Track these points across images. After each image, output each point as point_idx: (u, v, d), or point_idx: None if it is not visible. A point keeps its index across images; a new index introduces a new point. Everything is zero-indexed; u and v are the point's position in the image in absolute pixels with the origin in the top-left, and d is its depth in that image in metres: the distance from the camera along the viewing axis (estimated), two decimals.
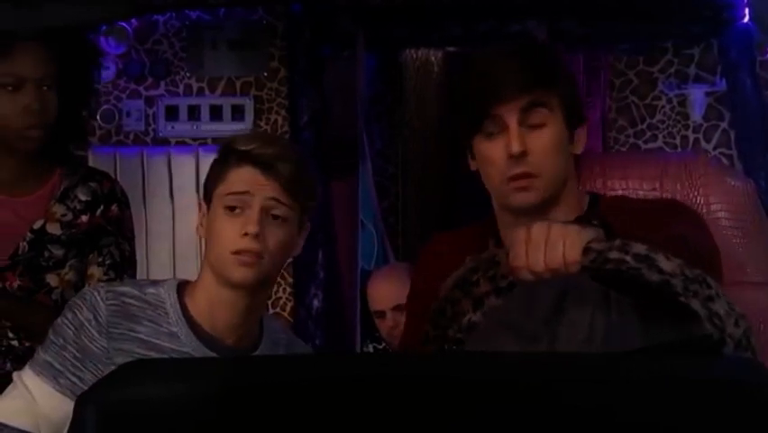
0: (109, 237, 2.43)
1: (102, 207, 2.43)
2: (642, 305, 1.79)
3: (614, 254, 1.56)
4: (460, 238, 2.03)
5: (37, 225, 2.38)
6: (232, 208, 1.87)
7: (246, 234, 1.84)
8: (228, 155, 1.92)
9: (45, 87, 2.35)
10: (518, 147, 1.83)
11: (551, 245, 1.56)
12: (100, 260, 2.41)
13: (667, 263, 1.54)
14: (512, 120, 1.84)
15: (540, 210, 1.87)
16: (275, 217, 1.87)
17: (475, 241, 1.95)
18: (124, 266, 2.45)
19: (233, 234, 1.85)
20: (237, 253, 1.84)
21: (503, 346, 1.86)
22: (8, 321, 2.35)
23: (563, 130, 1.89)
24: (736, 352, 1.53)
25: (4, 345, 2.35)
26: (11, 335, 2.37)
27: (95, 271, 2.41)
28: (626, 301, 1.81)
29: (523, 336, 1.86)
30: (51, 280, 2.38)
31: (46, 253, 2.37)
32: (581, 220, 1.70)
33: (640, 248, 1.56)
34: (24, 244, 2.37)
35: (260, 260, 1.85)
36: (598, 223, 1.65)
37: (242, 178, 1.88)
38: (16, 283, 2.36)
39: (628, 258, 1.55)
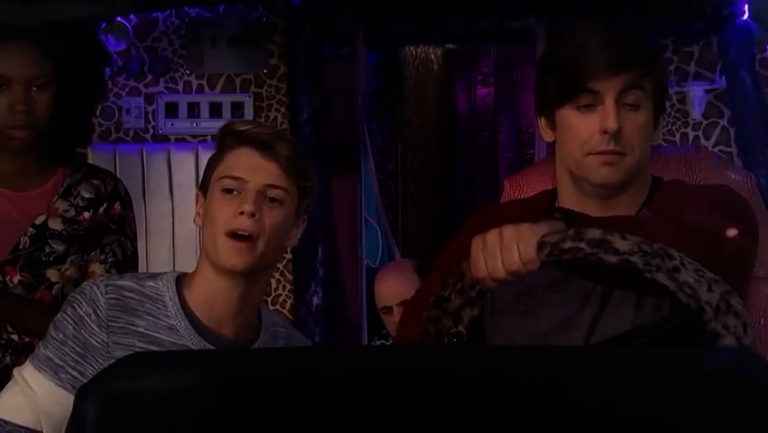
0: (111, 235, 2.43)
1: (105, 204, 2.43)
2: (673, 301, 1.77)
3: (568, 244, 1.55)
4: (511, 210, 1.98)
5: (39, 221, 2.38)
6: (229, 191, 1.88)
7: (242, 212, 1.84)
8: (225, 138, 1.93)
9: (35, 88, 2.34)
10: (615, 124, 1.81)
11: (505, 249, 1.57)
12: (102, 258, 2.41)
13: (623, 243, 1.53)
14: (610, 97, 1.82)
15: (615, 191, 1.86)
16: (272, 200, 1.88)
17: (528, 214, 1.90)
18: (126, 265, 2.45)
19: (229, 213, 1.85)
20: (232, 234, 1.84)
21: (537, 325, 1.85)
22: (7, 321, 2.34)
23: (651, 116, 1.88)
24: (717, 318, 1.50)
25: (3, 338, 2.35)
26: (10, 328, 2.37)
27: (96, 268, 2.41)
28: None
29: (562, 315, 1.85)
30: (52, 275, 2.38)
31: (47, 249, 2.37)
32: (548, 213, 1.70)
33: (595, 233, 1.54)
34: (26, 238, 2.37)
35: (254, 245, 1.85)
36: (560, 216, 1.65)
37: (240, 161, 1.89)
38: (16, 278, 2.35)
39: (583, 245, 1.54)
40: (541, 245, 1.57)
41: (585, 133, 1.84)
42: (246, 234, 1.84)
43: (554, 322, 1.85)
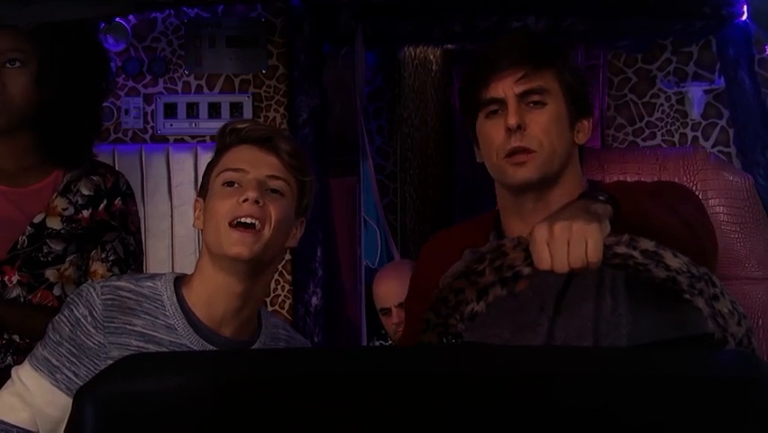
0: (112, 232, 2.40)
1: (105, 201, 2.40)
2: (635, 296, 1.79)
3: (621, 249, 1.56)
4: (459, 234, 2.06)
5: (37, 220, 2.35)
6: (230, 183, 1.88)
7: (245, 200, 1.84)
8: (224, 137, 1.95)
9: (8, 64, 2.29)
10: (515, 119, 1.89)
11: (575, 244, 1.55)
12: (103, 256, 2.38)
13: (674, 260, 1.54)
14: (510, 95, 1.91)
15: (538, 190, 1.92)
16: (273, 191, 1.89)
17: (474, 235, 1.98)
18: (129, 261, 2.41)
19: (232, 203, 1.86)
20: (235, 224, 1.84)
21: (501, 333, 1.87)
22: (6, 329, 2.32)
23: (564, 114, 1.94)
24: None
25: (5, 339, 2.34)
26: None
27: (98, 267, 2.38)
28: (621, 291, 1.82)
29: (521, 323, 1.87)
30: (51, 275, 2.35)
31: (45, 249, 2.34)
32: (585, 195, 1.71)
33: (648, 244, 1.55)
34: (24, 238, 2.34)
35: (259, 234, 1.84)
36: (604, 198, 1.65)
37: (241, 155, 1.90)
38: (15, 277, 2.32)
39: (636, 253, 1.55)
40: None
41: (495, 135, 1.93)
42: (250, 221, 1.84)
43: (515, 328, 1.87)
